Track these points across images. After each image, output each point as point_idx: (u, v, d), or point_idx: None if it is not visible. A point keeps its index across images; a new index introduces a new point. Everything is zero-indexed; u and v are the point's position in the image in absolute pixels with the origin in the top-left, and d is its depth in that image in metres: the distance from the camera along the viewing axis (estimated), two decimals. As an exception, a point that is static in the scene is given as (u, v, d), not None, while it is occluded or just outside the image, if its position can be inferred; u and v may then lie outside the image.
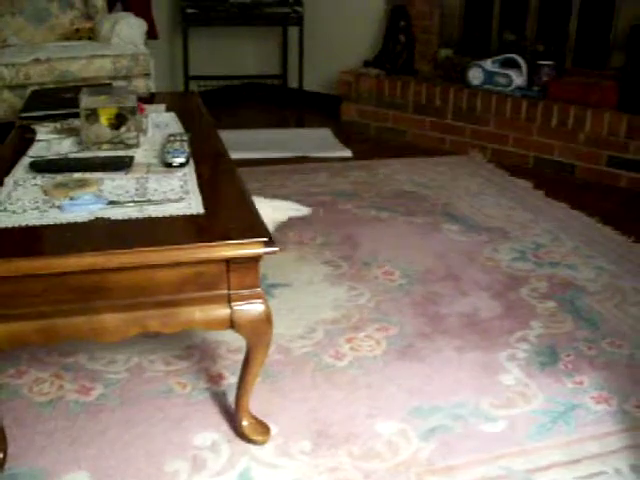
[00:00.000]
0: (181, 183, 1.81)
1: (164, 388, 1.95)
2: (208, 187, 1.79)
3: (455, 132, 4.31)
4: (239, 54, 5.66)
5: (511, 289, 2.54)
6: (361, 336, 2.23)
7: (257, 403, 1.79)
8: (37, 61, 3.77)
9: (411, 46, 4.66)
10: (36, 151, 2.09)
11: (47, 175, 1.87)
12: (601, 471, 1.68)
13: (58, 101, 2.56)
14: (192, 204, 1.67)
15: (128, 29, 4.12)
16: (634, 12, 3.90)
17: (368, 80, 4.64)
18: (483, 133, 4.18)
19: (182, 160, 1.93)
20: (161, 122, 2.40)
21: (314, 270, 2.66)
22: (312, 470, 1.67)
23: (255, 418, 1.77)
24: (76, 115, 2.18)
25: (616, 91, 3.76)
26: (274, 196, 3.35)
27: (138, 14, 4.33)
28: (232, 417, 1.81)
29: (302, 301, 2.43)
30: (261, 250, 1.50)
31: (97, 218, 1.59)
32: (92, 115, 2.06)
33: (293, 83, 5.41)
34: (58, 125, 2.32)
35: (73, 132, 2.23)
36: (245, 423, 1.74)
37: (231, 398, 1.87)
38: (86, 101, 2.06)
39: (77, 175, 1.85)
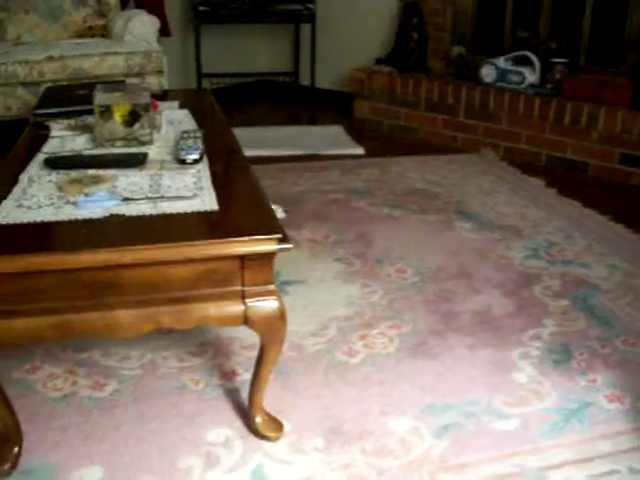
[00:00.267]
0: (195, 180, 1.81)
1: (177, 384, 1.96)
2: (222, 184, 1.79)
3: (467, 130, 4.30)
4: (251, 51, 5.66)
5: (524, 287, 2.53)
6: (374, 333, 2.23)
7: (270, 400, 1.79)
8: (51, 58, 3.78)
9: (424, 43, 4.65)
10: (50, 148, 2.10)
11: (61, 171, 1.87)
12: (614, 470, 1.68)
13: (72, 98, 2.57)
14: (206, 201, 1.67)
15: (141, 26, 4.13)
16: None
17: (380, 77, 4.64)
18: (495, 131, 4.17)
19: (196, 157, 1.93)
20: (174, 119, 2.40)
21: (327, 267, 2.66)
22: (325, 467, 1.67)
23: (268, 415, 1.77)
24: (90, 112, 2.19)
25: (630, 89, 3.74)
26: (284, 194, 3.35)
27: (151, 11, 4.34)
28: (245, 413, 1.82)
29: (315, 298, 2.43)
30: (275, 247, 1.50)
31: (111, 214, 1.60)
32: (106, 112, 2.06)
33: (305, 80, 5.41)
34: (72, 122, 2.33)
35: (87, 129, 2.24)
36: (258, 420, 1.75)
37: (244, 394, 1.87)
38: (100, 98, 2.07)
39: (91, 172, 1.86)
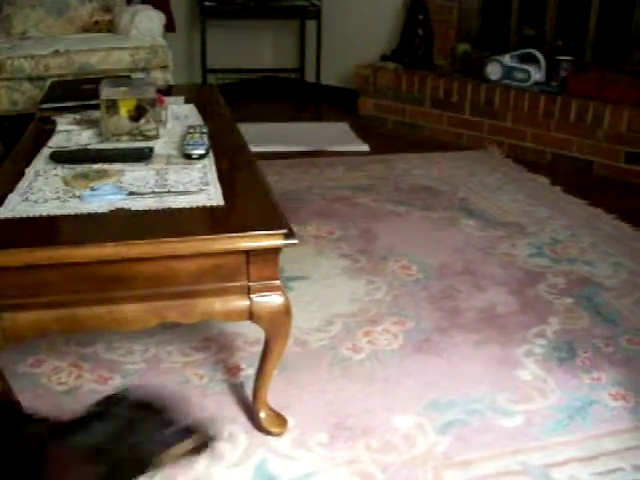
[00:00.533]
0: (201, 175, 1.81)
1: (181, 379, 1.96)
2: (228, 179, 1.79)
3: (473, 127, 4.29)
4: (257, 47, 5.65)
5: (528, 285, 2.53)
6: (378, 330, 2.23)
7: (274, 395, 1.79)
8: (56, 53, 3.78)
9: (429, 40, 4.64)
10: (56, 142, 2.10)
11: (67, 166, 1.87)
12: (618, 467, 1.68)
13: (77, 92, 2.57)
14: (212, 195, 1.67)
15: (147, 22, 4.12)
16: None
17: (386, 74, 4.63)
18: (501, 128, 4.16)
19: (202, 152, 1.93)
20: (180, 114, 2.40)
21: (332, 264, 2.66)
22: (329, 462, 1.67)
23: (272, 410, 1.77)
24: (95, 107, 2.19)
25: (636, 87, 3.73)
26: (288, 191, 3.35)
27: (156, 7, 4.33)
28: (249, 409, 1.82)
29: (319, 294, 2.44)
30: (281, 242, 1.50)
31: (117, 209, 1.60)
32: (112, 106, 2.06)
33: (310, 77, 5.40)
34: (77, 116, 2.33)
35: (93, 123, 2.24)
36: (262, 415, 1.75)
37: (248, 390, 1.88)
38: (106, 92, 2.07)
39: (97, 166, 1.86)
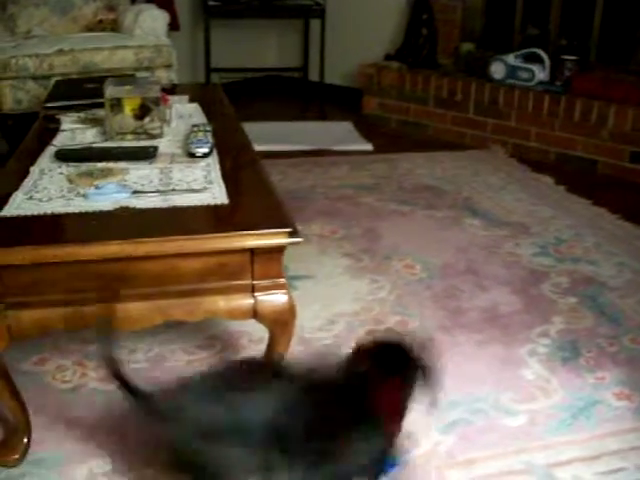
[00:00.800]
0: (205, 173, 1.82)
1: (185, 377, 1.96)
2: (232, 177, 1.80)
3: (477, 126, 4.29)
4: (260, 46, 5.65)
5: (532, 284, 2.53)
6: (381, 329, 2.23)
7: (278, 394, 1.79)
8: (61, 52, 3.78)
9: (433, 39, 4.64)
10: (61, 140, 2.11)
11: (72, 164, 1.88)
12: (621, 467, 1.67)
13: (82, 91, 2.58)
14: (216, 194, 1.68)
15: (151, 21, 4.12)
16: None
17: (390, 73, 4.63)
18: (505, 128, 4.16)
19: (206, 150, 1.94)
20: (184, 113, 2.41)
21: (335, 263, 2.66)
22: (332, 461, 1.67)
23: (276, 408, 1.77)
24: (100, 105, 2.19)
25: (640, 87, 3.73)
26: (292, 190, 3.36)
27: (161, 6, 4.33)
28: (253, 407, 1.82)
29: (323, 293, 2.44)
30: (285, 240, 1.50)
31: (121, 207, 1.61)
32: (116, 105, 2.07)
33: (314, 76, 5.39)
34: (82, 115, 2.34)
35: (97, 122, 2.24)
36: (266, 413, 1.75)
37: (252, 388, 1.88)
38: (110, 91, 2.07)
39: (101, 164, 1.87)
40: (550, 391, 1.94)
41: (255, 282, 1.55)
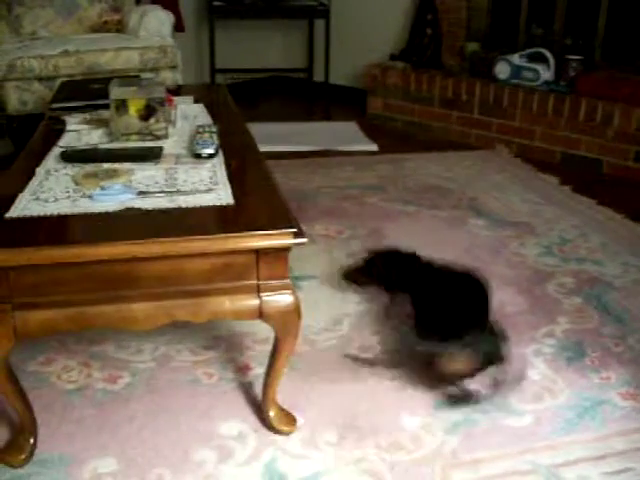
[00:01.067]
0: (210, 174, 1.82)
1: (191, 378, 1.97)
2: (237, 178, 1.80)
3: (481, 126, 4.29)
4: (265, 47, 5.66)
5: (537, 284, 2.53)
6: (387, 329, 2.23)
7: (283, 394, 1.80)
8: (66, 53, 3.79)
9: (438, 40, 4.64)
10: (66, 141, 2.11)
11: (77, 165, 1.88)
12: (627, 467, 1.67)
13: (87, 92, 2.59)
14: (221, 195, 1.68)
15: (156, 22, 4.13)
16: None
17: (394, 74, 4.63)
18: (510, 128, 4.16)
19: (211, 151, 1.94)
20: (189, 114, 2.41)
21: (341, 263, 2.66)
22: (338, 461, 1.67)
23: (282, 409, 1.78)
24: (105, 106, 2.20)
25: (645, 86, 3.72)
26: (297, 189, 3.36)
27: (165, 7, 4.34)
28: (259, 407, 1.82)
29: (328, 294, 2.44)
30: (290, 241, 1.50)
31: (127, 208, 1.61)
32: (121, 106, 2.07)
33: (319, 76, 5.40)
34: (87, 116, 2.34)
35: (102, 123, 2.25)
36: (272, 413, 1.75)
37: (257, 389, 1.88)
38: (116, 92, 2.08)
39: (107, 165, 1.87)
40: (556, 391, 1.94)
41: (260, 283, 1.55)
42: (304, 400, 1.88)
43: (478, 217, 3.13)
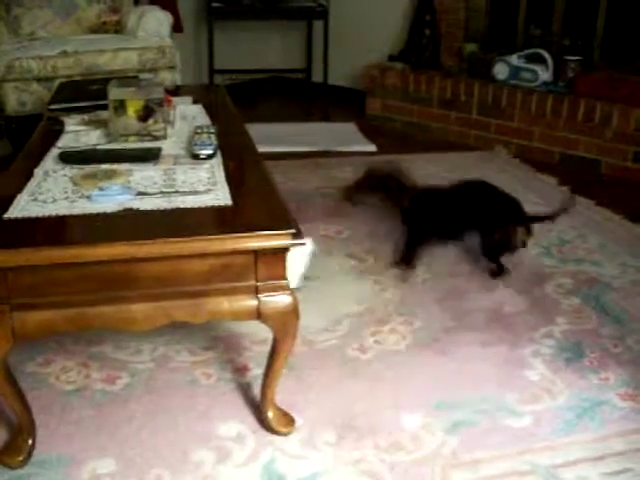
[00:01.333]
0: (209, 175, 1.82)
1: (189, 378, 1.97)
2: (235, 179, 1.80)
3: (480, 127, 4.29)
4: (264, 48, 5.66)
5: (536, 285, 2.53)
6: (386, 330, 2.23)
7: (282, 395, 1.80)
8: (64, 54, 3.79)
9: (436, 40, 4.64)
10: (65, 142, 2.11)
11: (76, 166, 1.88)
12: (626, 468, 1.67)
13: (85, 93, 2.58)
14: (220, 195, 1.68)
15: (154, 22, 4.13)
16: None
17: (393, 74, 4.63)
18: (508, 128, 4.16)
19: (210, 152, 1.94)
20: (188, 114, 2.41)
21: (340, 263, 2.66)
22: (337, 462, 1.67)
23: (280, 409, 1.78)
24: (103, 107, 2.20)
25: (644, 87, 3.72)
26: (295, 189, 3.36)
27: (164, 7, 4.34)
28: (257, 408, 1.82)
29: (327, 294, 2.44)
30: (289, 242, 1.50)
31: (126, 209, 1.61)
32: (120, 107, 2.07)
33: (318, 77, 5.40)
34: (86, 117, 2.34)
35: (101, 124, 2.25)
36: (270, 414, 1.75)
37: (256, 389, 1.88)
38: (114, 93, 2.08)
39: (105, 166, 1.87)
40: (554, 392, 1.94)
41: (259, 284, 1.55)
42: (302, 400, 1.88)
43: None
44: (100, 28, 4.33)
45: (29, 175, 1.81)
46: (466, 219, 2.59)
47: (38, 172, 1.84)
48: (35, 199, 1.65)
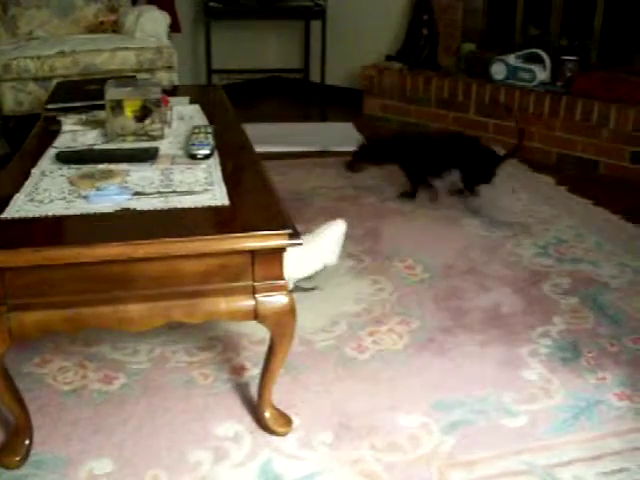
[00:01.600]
0: (206, 175, 1.82)
1: (187, 379, 1.97)
2: (232, 179, 1.80)
3: (478, 127, 4.29)
4: (261, 48, 5.66)
5: (533, 284, 2.53)
6: (383, 329, 2.23)
7: (279, 395, 1.80)
8: (62, 53, 3.79)
9: (434, 40, 4.65)
10: (62, 142, 2.11)
11: (73, 166, 1.88)
12: (623, 468, 1.67)
13: (83, 93, 2.58)
14: (217, 195, 1.68)
15: (152, 22, 4.13)
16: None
17: (391, 74, 4.64)
18: (506, 128, 4.16)
19: (207, 152, 1.94)
20: (185, 114, 2.41)
21: (337, 263, 2.65)
22: (334, 462, 1.67)
23: (277, 409, 1.77)
24: (101, 107, 2.20)
25: (641, 87, 3.73)
26: (294, 189, 3.36)
27: (161, 7, 4.34)
28: (254, 408, 1.82)
29: (324, 294, 2.44)
30: (285, 242, 1.50)
31: (123, 209, 1.61)
32: (117, 107, 2.07)
33: (315, 77, 5.40)
34: (83, 117, 2.34)
35: (98, 124, 2.25)
36: (267, 414, 1.75)
37: (253, 389, 1.88)
38: (111, 93, 2.08)
39: (102, 166, 1.87)
40: (551, 391, 1.94)
41: (256, 284, 1.55)
42: (300, 401, 1.88)
43: (474, 217, 3.13)
44: (97, 28, 4.33)
45: (26, 175, 1.81)
46: (449, 160, 3.26)
47: (35, 172, 1.84)
48: (32, 199, 1.65)
